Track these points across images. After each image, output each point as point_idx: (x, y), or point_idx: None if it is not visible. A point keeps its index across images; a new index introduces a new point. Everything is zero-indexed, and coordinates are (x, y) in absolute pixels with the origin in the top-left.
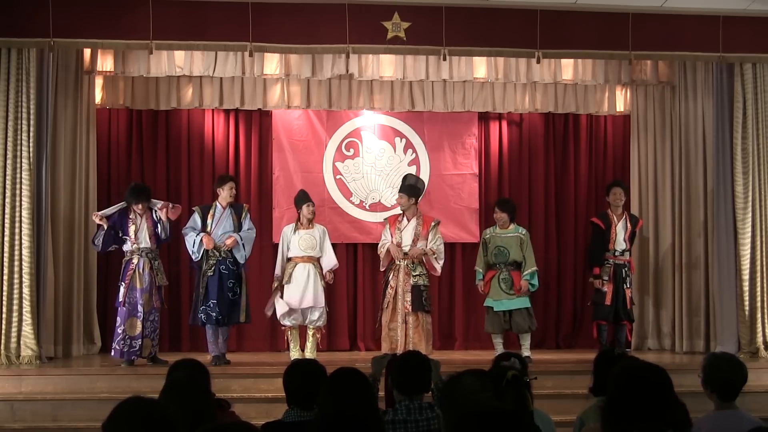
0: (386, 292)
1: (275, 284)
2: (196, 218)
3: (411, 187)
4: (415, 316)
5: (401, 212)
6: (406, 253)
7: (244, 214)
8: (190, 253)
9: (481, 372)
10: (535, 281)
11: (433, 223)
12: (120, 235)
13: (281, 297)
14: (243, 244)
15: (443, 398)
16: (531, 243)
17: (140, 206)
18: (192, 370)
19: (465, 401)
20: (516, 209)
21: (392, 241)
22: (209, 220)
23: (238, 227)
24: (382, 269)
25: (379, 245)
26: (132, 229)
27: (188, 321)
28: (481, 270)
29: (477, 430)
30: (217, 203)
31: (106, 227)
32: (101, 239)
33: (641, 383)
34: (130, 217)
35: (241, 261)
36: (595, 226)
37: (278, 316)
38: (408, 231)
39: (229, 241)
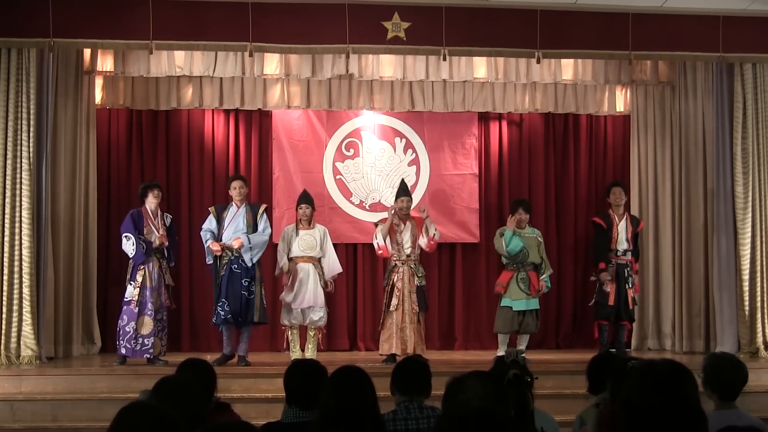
0: (393, 295)
1: (284, 269)
2: (212, 219)
3: (408, 191)
4: (418, 316)
5: (392, 215)
6: (408, 256)
7: (260, 213)
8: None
9: (484, 374)
10: (549, 284)
11: (424, 217)
12: (139, 235)
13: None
14: (251, 246)
15: (444, 401)
16: None
17: (155, 193)
18: (194, 371)
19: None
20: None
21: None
22: (224, 218)
23: (252, 226)
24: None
25: (377, 236)
26: (146, 230)
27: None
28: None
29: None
30: (233, 203)
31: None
32: (139, 251)
33: (664, 379)
34: (146, 219)
35: (248, 263)
36: (597, 226)
37: (281, 314)
38: (406, 233)
39: (236, 243)
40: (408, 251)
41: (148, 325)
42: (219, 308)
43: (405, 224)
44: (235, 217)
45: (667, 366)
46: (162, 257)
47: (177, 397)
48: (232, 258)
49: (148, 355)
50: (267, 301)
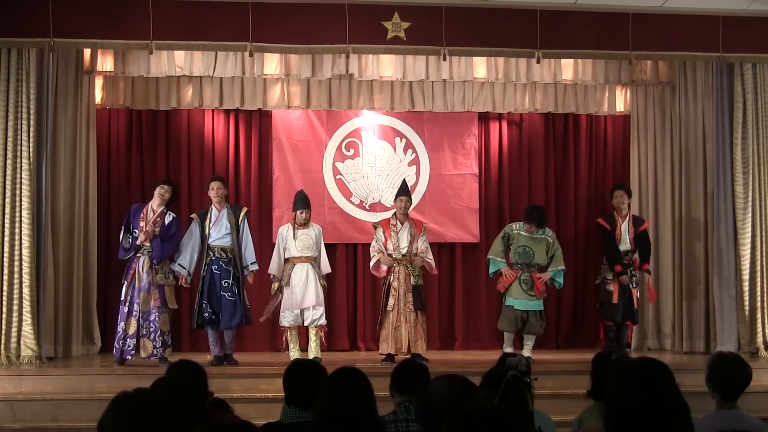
0: (390, 294)
1: (275, 285)
2: (195, 226)
3: (408, 191)
4: (416, 315)
5: (392, 215)
6: (404, 255)
7: (241, 216)
8: None
9: (453, 376)
10: (561, 279)
11: (423, 226)
12: (132, 229)
13: (281, 300)
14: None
15: (419, 406)
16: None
17: (159, 190)
18: (184, 372)
19: (448, 405)
20: (545, 215)
21: (385, 252)
22: (206, 224)
23: (235, 228)
24: (373, 271)
25: (371, 248)
26: (141, 224)
27: (190, 324)
28: (498, 259)
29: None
30: (213, 206)
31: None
32: (129, 249)
33: (640, 377)
34: (143, 212)
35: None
36: (601, 228)
37: (280, 315)
38: (404, 233)
39: (250, 280)
40: (404, 251)
41: (132, 325)
42: (201, 309)
43: (403, 224)
44: (218, 220)
45: (643, 363)
46: (154, 257)
47: (169, 395)
48: (213, 259)
49: (130, 357)
50: (252, 302)
